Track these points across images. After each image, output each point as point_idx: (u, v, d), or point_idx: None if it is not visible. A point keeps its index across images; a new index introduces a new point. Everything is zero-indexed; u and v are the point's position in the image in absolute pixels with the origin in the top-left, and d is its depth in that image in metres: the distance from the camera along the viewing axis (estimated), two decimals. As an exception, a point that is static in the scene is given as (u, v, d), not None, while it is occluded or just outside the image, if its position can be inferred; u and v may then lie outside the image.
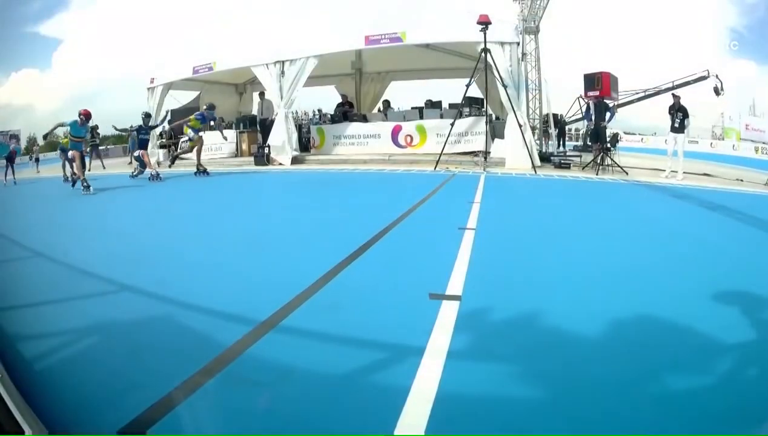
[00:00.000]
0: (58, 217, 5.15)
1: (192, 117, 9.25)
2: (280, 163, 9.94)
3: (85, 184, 6.98)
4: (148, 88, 11.98)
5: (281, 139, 9.97)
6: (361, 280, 2.25)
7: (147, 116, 9.66)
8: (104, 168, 12.52)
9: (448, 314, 1.76)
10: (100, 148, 14.37)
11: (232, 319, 1.77)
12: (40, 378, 1.42)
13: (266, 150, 10.12)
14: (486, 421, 1.15)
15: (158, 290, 2.14)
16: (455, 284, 2.11)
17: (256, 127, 11.61)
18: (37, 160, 14.17)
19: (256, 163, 10.07)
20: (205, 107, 9.25)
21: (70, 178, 9.21)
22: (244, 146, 11.53)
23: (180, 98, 13.07)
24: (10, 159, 11.46)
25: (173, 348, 1.57)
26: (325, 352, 1.53)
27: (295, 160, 10.00)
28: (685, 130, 7.48)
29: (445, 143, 8.37)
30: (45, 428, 1.05)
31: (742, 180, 7.41)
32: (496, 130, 9.28)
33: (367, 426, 1.13)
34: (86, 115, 7.42)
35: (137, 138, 9.30)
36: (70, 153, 7.56)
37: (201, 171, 8.76)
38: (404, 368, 1.37)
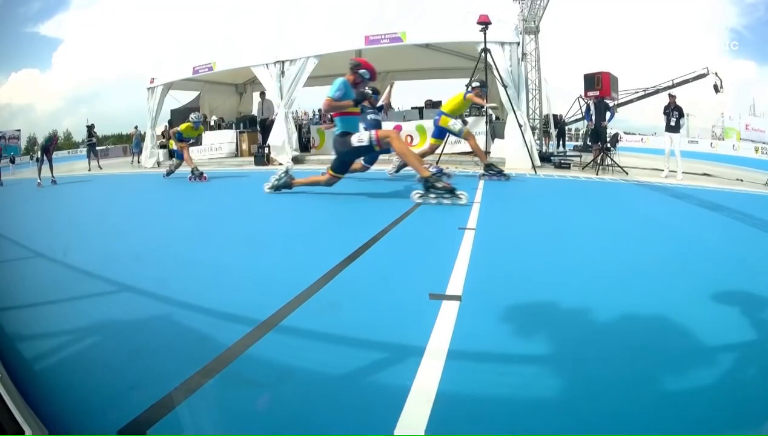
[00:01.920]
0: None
1: (469, 93, 6.31)
2: (280, 163, 9.94)
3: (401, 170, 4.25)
4: (148, 88, 11.98)
5: (281, 139, 9.98)
6: (361, 280, 2.25)
7: (375, 92, 6.62)
8: (101, 168, 12.52)
9: (448, 314, 1.76)
10: (99, 148, 14.33)
11: (232, 319, 1.77)
12: (40, 378, 1.42)
13: (266, 150, 10.12)
14: (486, 421, 1.15)
15: (158, 289, 2.14)
16: (455, 284, 2.11)
17: (256, 127, 11.62)
18: (38, 159, 14.15)
19: (256, 163, 10.08)
20: (477, 84, 6.46)
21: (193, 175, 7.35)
22: (244, 146, 11.54)
23: (180, 98, 13.08)
24: (47, 151, 9.21)
25: (173, 348, 1.57)
26: (325, 352, 1.53)
27: (295, 160, 10.00)
28: (681, 130, 7.55)
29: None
30: (45, 428, 1.05)
31: (742, 180, 7.41)
32: (496, 130, 9.29)
33: (367, 426, 1.13)
34: (369, 69, 4.66)
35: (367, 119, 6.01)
36: (357, 137, 4.50)
37: (496, 172, 6.42)
38: (404, 368, 1.37)
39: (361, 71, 4.57)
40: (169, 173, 8.43)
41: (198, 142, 8.74)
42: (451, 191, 4.13)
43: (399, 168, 6.76)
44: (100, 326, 1.78)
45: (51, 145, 9.45)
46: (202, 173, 7.69)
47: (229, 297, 2.02)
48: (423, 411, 1.16)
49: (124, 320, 1.83)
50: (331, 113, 4.68)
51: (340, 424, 1.13)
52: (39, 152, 9.28)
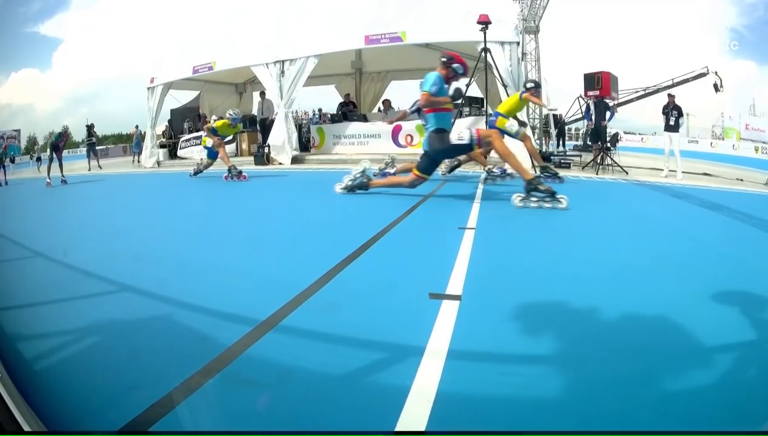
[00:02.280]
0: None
1: (524, 93, 6.00)
2: (280, 163, 9.94)
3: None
4: (148, 88, 11.97)
5: (281, 139, 9.97)
6: (361, 279, 2.25)
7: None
8: (100, 168, 12.51)
9: (448, 313, 1.76)
10: (99, 147, 14.33)
11: (232, 319, 1.77)
12: (40, 378, 1.42)
13: (266, 150, 10.12)
14: (486, 420, 1.15)
15: (158, 289, 2.14)
16: (455, 284, 2.11)
17: (256, 127, 11.61)
18: (38, 159, 14.12)
19: (256, 163, 10.08)
20: (532, 85, 6.19)
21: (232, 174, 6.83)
22: (244, 146, 11.53)
23: (180, 98, 13.08)
24: (57, 148, 8.51)
25: (173, 348, 1.57)
26: (325, 352, 1.53)
27: (294, 160, 10.00)
28: (680, 129, 7.58)
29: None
30: (45, 428, 1.05)
31: (742, 180, 7.42)
32: (495, 130, 9.28)
33: (367, 426, 1.13)
34: (462, 64, 4.40)
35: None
36: (457, 134, 4.28)
37: (551, 174, 5.98)
38: (404, 368, 1.37)
39: (455, 66, 4.28)
40: (196, 173, 7.79)
41: (234, 140, 7.96)
42: (552, 195, 4.00)
43: (452, 169, 6.57)
44: (100, 326, 1.78)
45: (61, 142, 8.74)
46: (240, 172, 7.15)
47: (229, 297, 2.02)
48: (423, 411, 1.16)
49: (124, 320, 1.83)
50: (425, 109, 4.43)
51: (340, 424, 1.13)
52: (48, 150, 8.65)
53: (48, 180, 8.22)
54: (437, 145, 4.33)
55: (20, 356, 1.55)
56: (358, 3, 10.13)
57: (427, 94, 4.18)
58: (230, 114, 7.54)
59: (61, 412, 1.20)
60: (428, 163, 4.46)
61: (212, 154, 7.64)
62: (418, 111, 5.77)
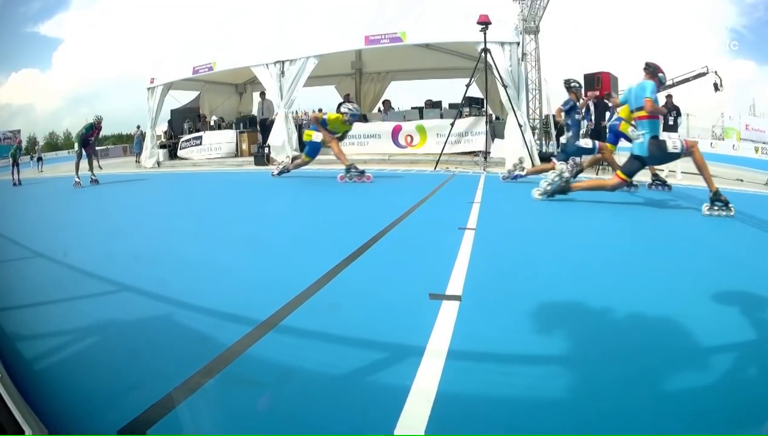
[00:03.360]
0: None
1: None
2: (281, 163, 9.94)
3: None
4: (148, 88, 11.96)
5: (281, 139, 9.97)
6: (361, 280, 2.25)
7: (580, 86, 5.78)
8: (101, 168, 12.49)
9: (448, 314, 1.76)
10: (99, 148, 14.32)
11: (232, 319, 1.77)
12: (40, 378, 1.42)
13: (266, 150, 10.12)
14: (486, 421, 1.15)
15: (158, 289, 2.14)
16: (455, 284, 2.11)
17: (256, 127, 11.61)
18: (39, 159, 14.10)
19: (256, 163, 10.08)
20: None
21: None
22: (244, 146, 11.54)
23: (180, 98, 13.07)
24: (87, 144, 7.64)
25: (173, 348, 1.57)
26: (325, 352, 1.53)
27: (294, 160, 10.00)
28: (679, 129, 7.60)
29: (445, 143, 8.38)
30: (45, 428, 1.05)
31: (742, 180, 7.41)
32: (496, 130, 9.28)
33: (367, 426, 1.13)
34: (664, 74, 4.36)
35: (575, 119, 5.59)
36: (671, 143, 4.21)
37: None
38: (404, 368, 1.37)
39: (660, 75, 4.36)
40: (281, 172, 6.85)
41: (343, 138, 6.55)
42: (726, 204, 4.15)
43: (576, 173, 6.45)
44: (100, 326, 1.78)
45: (92, 136, 7.72)
46: (363, 172, 6.11)
47: (229, 297, 2.02)
48: (423, 411, 1.16)
49: (124, 320, 1.83)
50: (636, 115, 4.46)
51: (340, 424, 1.13)
52: (76, 144, 7.78)
53: (77, 179, 7.35)
54: (656, 152, 4.35)
55: (20, 356, 1.55)
56: (358, 3, 10.12)
57: (651, 101, 4.21)
58: (350, 108, 6.41)
59: (61, 413, 1.20)
60: (636, 168, 4.47)
61: (312, 152, 6.52)
62: (569, 110, 5.86)
